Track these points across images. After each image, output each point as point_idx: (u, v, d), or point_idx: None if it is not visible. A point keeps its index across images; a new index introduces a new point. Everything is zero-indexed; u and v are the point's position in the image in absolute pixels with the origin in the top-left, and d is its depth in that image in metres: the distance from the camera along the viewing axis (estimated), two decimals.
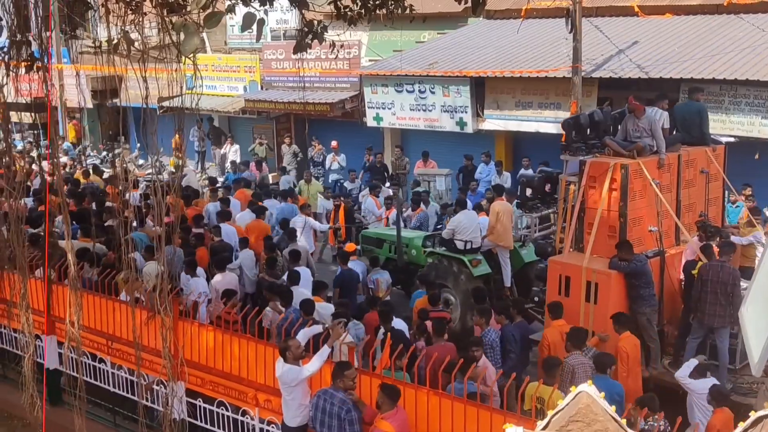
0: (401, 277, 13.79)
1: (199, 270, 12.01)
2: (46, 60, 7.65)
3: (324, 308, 10.63)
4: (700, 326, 10.29)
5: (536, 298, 12.50)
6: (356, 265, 13.04)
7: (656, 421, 7.89)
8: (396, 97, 21.27)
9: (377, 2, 11.35)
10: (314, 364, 8.15)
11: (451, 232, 13.10)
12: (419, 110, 20.92)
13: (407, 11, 11.54)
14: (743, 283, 10.00)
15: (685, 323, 10.69)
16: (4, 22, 7.87)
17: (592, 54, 18.14)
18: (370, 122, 22.16)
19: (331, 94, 23.05)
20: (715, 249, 10.57)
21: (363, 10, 11.50)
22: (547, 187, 12.82)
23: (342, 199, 17.61)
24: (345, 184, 20.05)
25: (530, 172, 16.96)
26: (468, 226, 13.03)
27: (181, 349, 9.25)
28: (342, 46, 12.25)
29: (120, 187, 11.50)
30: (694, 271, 10.40)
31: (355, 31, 14.91)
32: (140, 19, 6.38)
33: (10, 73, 7.50)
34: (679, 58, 17.15)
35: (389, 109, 21.55)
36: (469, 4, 9.65)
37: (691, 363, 9.39)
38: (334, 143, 22.12)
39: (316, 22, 11.45)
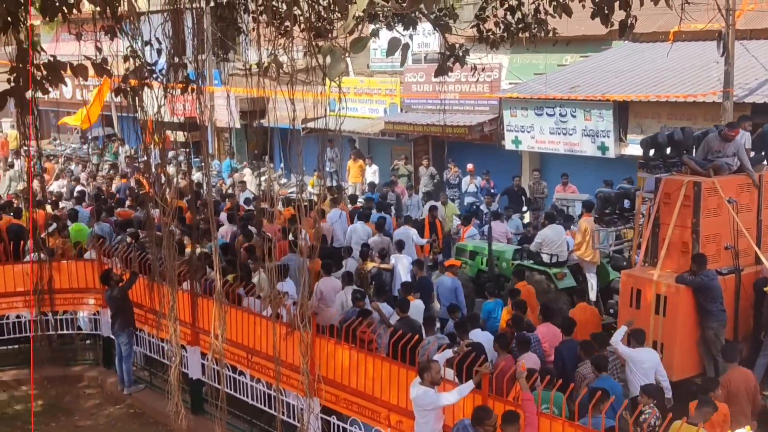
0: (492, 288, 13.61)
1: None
2: (200, 82, 8.01)
3: (416, 306, 11.46)
4: None
5: (612, 310, 12.98)
6: (450, 280, 13.02)
7: (650, 410, 8.18)
8: (536, 121, 21.01)
9: (520, 26, 11.29)
10: (454, 395, 8.02)
11: (538, 245, 13.62)
12: (559, 134, 20.59)
13: (550, 34, 11.42)
14: None
15: (756, 340, 10.79)
16: (163, 46, 8.30)
17: (745, 78, 17.36)
18: (509, 145, 21.97)
19: (469, 116, 23.02)
20: None
21: (505, 33, 11.46)
22: (626, 203, 12.90)
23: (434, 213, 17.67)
24: (481, 207, 19.93)
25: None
26: (555, 240, 13.55)
27: (317, 365, 9.41)
28: (483, 69, 12.23)
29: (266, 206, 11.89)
30: (766, 289, 10.53)
31: (496, 53, 14.87)
32: (289, 43, 6.57)
33: (167, 94, 7.88)
34: None
35: (528, 132, 21.31)
36: (616, 26, 9.43)
37: (622, 330, 9.57)
38: (470, 166, 22.06)
39: (458, 46, 11.51)
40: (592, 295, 13.54)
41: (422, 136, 25.14)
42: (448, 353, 8.92)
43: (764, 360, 10.45)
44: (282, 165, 25.88)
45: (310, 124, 8.61)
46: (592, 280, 13.61)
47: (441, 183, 22.93)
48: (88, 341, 13.92)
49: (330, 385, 9.58)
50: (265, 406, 10.65)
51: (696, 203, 10.71)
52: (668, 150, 11.89)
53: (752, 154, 11.81)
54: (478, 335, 10.44)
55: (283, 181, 25.55)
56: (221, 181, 24.45)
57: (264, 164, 21.92)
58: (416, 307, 11.60)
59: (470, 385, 8.07)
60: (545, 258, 13.51)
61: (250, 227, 15.06)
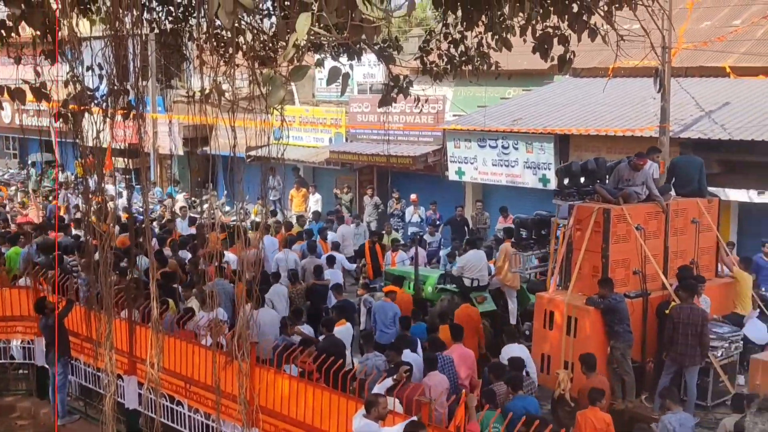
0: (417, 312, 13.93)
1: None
2: (141, 108, 7.94)
3: (346, 330, 11.91)
4: (672, 363, 10.94)
5: (527, 332, 13.47)
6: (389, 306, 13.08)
7: None
8: (479, 152, 21.28)
9: (463, 58, 11.47)
10: (396, 430, 7.91)
11: (460, 269, 14.10)
12: (502, 165, 20.88)
13: (493, 68, 11.62)
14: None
15: (659, 360, 11.30)
16: (104, 72, 8.22)
17: (680, 114, 17.85)
18: (452, 176, 22.21)
19: (414, 147, 23.24)
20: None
21: (449, 66, 11.63)
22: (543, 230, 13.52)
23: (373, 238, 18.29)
24: (425, 237, 20.06)
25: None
26: (476, 265, 14.00)
27: (256, 395, 9.31)
28: (426, 100, 12.39)
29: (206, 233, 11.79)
30: (667, 311, 11.09)
31: (441, 86, 15.05)
32: (232, 71, 6.57)
33: (107, 120, 7.79)
34: None
35: (472, 163, 21.57)
36: (556, 62, 9.65)
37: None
38: (413, 196, 22.22)
39: (402, 77, 11.63)
40: (512, 318, 14.05)
41: (367, 165, 25.26)
42: (389, 382, 8.90)
43: (665, 378, 10.94)
44: (225, 192, 25.71)
45: (254, 152, 8.58)
46: (512, 304, 14.14)
47: (385, 213, 23.04)
48: (21, 371, 13.53)
49: (269, 415, 9.47)
50: None
51: (605, 229, 11.22)
52: (582, 179, 12.59)
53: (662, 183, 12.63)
54: (408, 356, 10.52)
55: (227, 209, 25.38)
56: (163, 207, 24.20)
57: (207, 192, 21.76)
58: (346, 330, 11.95)
59: (414, 419, 8.02)
60: (466, 282, 13.96)
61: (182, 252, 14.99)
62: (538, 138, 19.80)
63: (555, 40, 9.46)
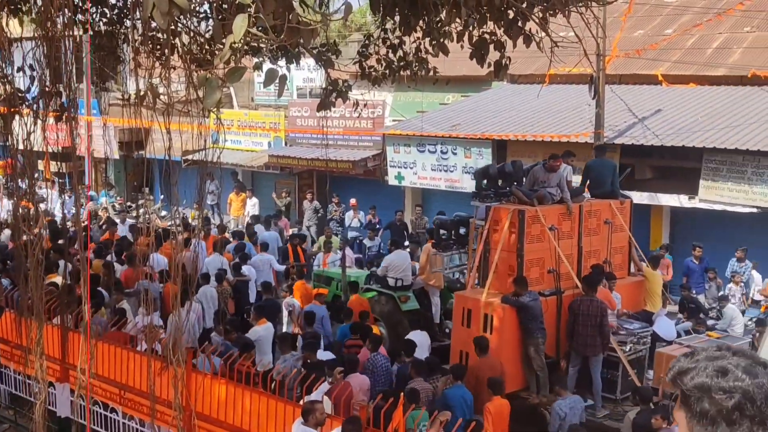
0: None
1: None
2: (73, 111, 7.79)
3: (266, 329, 12.16)
4: (576, 355, 11.53)
5: (447, 329, 13.76)
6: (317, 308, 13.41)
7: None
8: (418, 157, 21.41)
9: (401, 63, 11.51)
10: None
11: (384, 269, 14.37)
12: (441, 170, 21.04)
13: (431, 73, 11.68)
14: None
15: (568, 354, 11.73)
16: (35, 73, 8.05)
17: (614, 121, 18.23)
18: (392, 181, 22.30)
19: (353, 152, 23.26)
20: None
21: (387, 71, 11.65)
22: (462, 230, 14.02)
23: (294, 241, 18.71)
24: (364, 242, 20.09)
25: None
26: (399, 265, 14.28)
27: (192, 401, 9.20)
28: (366, 105, 12.43)
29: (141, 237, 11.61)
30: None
31: (380, 91, 15.14)
32: (167, 73, 6.50)
33: (38, 122, 7.63)
34: (702, 127, 17.21)
35: (411, 168, 21.68)
36: (492, 68, 9.76)
37: None
38: (353, 201, 22.23)
39: (341, 81, 11.62)
40: (436, 317, 14.32)
41: (306, 170, 25.18)
42: (326, 386, 8.90)
43: (572, 370, 11.48)
44: (162, 197, 25.35)
45: (191, 156, 8.50)
46: (436, 304, 14.40)
47: (324, 217, 23.00)
48: None
49: (206, 421, 9.38)
50: None
51: (520, 230, 11.56)
52: (500, 181, 13.00)
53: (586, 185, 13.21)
54: (321, 354, 11.08)
55: (163, 213, 25.02)
56: (104, 210, 23.69)
57: (143, 196, 21.44)
58: (267, 329, 12.20)
59: None
60: (390, 282, 14.21)
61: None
62: (477, 143, 20.00)
63: (491, 46, 9.56)
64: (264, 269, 16.14)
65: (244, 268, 15.47)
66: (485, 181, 13.15)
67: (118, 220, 20.99)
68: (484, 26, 9.34)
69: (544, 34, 8.89)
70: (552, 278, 11.93)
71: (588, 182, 13.35)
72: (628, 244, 13.43)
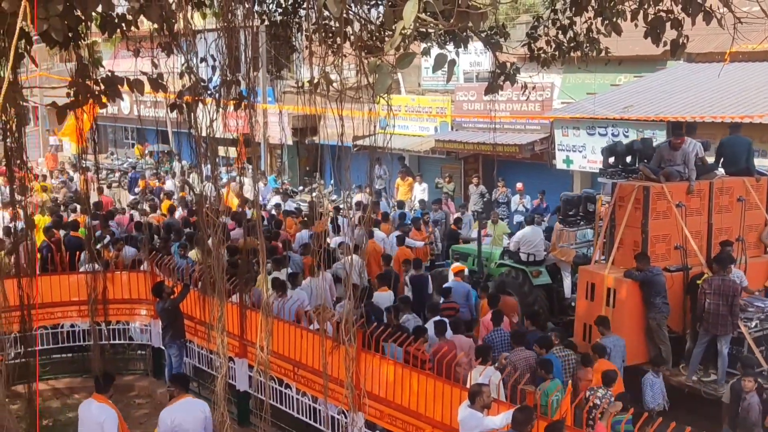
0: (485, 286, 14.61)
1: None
2: (252, 99, 8.15)
3: (386, 297, 12.95)
4: (705, 333, 11.36)
5: (573, 303, 13.78)
6: (461, 285, 13.97)
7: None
8: (588, 140, 20.88)
9: (572, 45, 11.26)
10: (500, 419, 7.91)
11: (516, 244, 14.76)
12: None
13: (602, 54, 11.36)
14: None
15: (693, 330, 11.72)
16: (217, 63, 8.47)
17: None
18: (560, 165, 21.86)
19: (520, 136, 22.97)
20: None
21: (557, 53, 11.44)
22: (589, 207, 13.99)
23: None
24: None
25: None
26: (531, 240, 14.62)
27: (362, 380, 9.44)
28: (534, 88, 12.27)
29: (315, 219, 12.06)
30: (699, 281, 11.44)
31: (548, 73, 14.86)
32: (340, 61, 6.67)
33: (220, 110, 8.03)
34: None
35: (580, 152, 21.18)
36: (668, 46, 9.36)
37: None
38: (519, 185, 21.99)
39: (509, 64, 11.51)
40: (567, 292, 14.49)
41: (472, 154, 25.14)
42: (491, 371, 8.90)
43: (699, 350, 11.41)
44: (332, 181, 26.08)
45: (361, 142, 8.70)
46: (567, 279, 14.59)
47: (490, 201, 22.89)
48: (139, 351, 14.15)
49: (374, 400, 9.60)
50: (309, 419, 10.71)
51: (645, 206, 11.75)
52: (628, 158, 13.16)
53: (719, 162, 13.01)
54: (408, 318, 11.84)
55: (333, 197, 25.76)
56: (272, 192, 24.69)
57: (315, 180, 22.12)
58: (386, 297, 12.95)
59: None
60: (522, 257, 14.59)
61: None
62: (650, 125, 19.25)
63: (667, 24, 9.18)
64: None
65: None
66: (612, 158, 13.28)
67: (280, 201, 21.83)
68: (660, 3, 8.98)
69: (726, 9, 8.43)
70: (679, 254, 11.99)
71: (722, 160, 13.10)
72: (765, 222, 13.13)
